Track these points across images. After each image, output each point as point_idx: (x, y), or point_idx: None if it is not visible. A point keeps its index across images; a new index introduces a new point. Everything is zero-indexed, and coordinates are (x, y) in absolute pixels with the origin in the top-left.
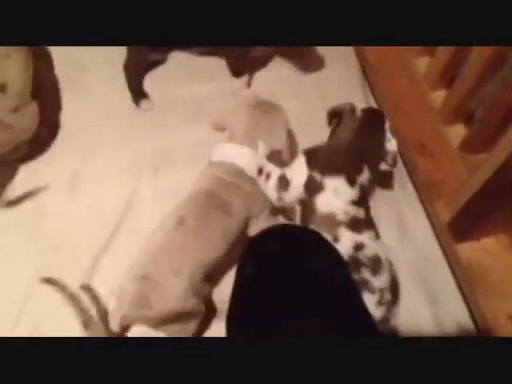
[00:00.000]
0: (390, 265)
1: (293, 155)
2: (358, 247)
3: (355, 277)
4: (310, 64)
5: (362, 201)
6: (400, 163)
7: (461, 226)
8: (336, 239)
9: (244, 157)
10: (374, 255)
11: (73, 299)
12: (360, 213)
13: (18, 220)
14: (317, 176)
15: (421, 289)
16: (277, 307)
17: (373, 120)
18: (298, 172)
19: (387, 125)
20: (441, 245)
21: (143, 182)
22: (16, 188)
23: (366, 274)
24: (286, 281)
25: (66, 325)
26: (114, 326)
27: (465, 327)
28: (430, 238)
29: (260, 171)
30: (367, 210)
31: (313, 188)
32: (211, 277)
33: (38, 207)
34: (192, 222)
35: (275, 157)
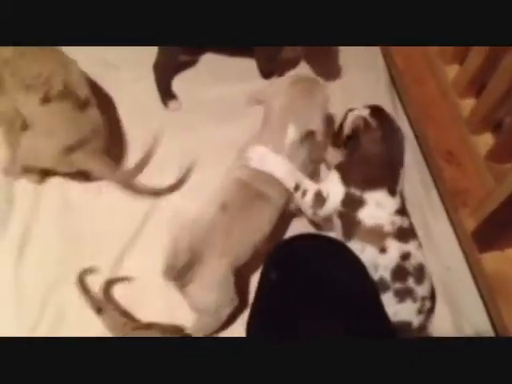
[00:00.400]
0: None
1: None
2: (405, 256)
3: (401, 286)
4: (327, 72)
5: (403, 208)
6: (426, 170)
7: (485, 235)
8: (383, 250)
9: (281, 169)
10: (419, 264)
11: (84, 290)
12: (405, 222)
13: (45, 213)
14: (356, 192)
15: (443, 297)
16: (296, 309)
17: (385, 120)
18: (334, 190)
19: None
20: (464, 254)
21: (169, 178)
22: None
23: (410, 282)
24: (307, 286)
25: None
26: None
27: None
28: (454, 246)
29: (297, 187)
30: (408, 216)
31: (353, 205)
32: (255, 258)
33: (65, 202)
34: (234, 208)
35: (308, 138)
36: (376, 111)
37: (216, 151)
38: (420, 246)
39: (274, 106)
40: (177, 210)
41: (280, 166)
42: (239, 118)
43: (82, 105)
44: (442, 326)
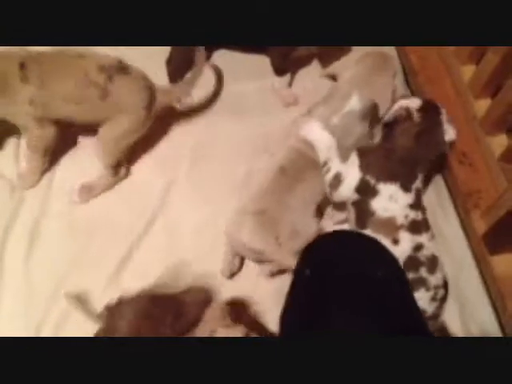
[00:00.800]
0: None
1: None
2: (418, 248)
3: (413, 276)
4: None
5: (418, 203)
6: None
7: (497, 237)
8: (396, 242)
9: (322, 142)
10: (432, 254)
11: (80, 305)
12: (418, 215)
13: (53, 211)
14: (371, 180)
15: (452, 298)
16: (329, 306)
17: (430, 121)
18: (350, 174)
19: (444, 117)
20: (474, 255)
21: (180, 174)
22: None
23: (423, 272)
24: (341, 283)
25: None
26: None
27: None
28: (465, 247)
29: (324, 164)
30: (423, 211)
31: (366, 191)
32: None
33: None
34: (291, 171)
35: (372, 112)
36: (427, 107)
37: (229, 147)
38: (433, 237)
39: (342, 79)
40: None
41: (321, 140)
42: (252, 114)
43: (124, 69)
44: (451, 326)
